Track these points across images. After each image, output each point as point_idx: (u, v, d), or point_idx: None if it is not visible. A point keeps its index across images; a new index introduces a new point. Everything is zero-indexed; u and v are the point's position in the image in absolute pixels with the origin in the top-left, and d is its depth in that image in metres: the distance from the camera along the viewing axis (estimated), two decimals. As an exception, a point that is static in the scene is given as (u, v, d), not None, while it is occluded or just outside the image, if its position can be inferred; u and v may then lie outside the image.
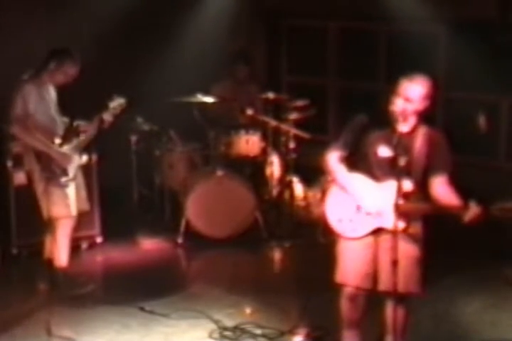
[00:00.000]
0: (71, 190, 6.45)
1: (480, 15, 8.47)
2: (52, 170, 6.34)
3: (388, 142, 4.85)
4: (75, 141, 6.49)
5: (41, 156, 6.33)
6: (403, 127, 4.85)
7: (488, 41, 8.34)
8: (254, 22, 10.14)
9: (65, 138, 6.45)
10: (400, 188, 4.70)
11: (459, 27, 8.53)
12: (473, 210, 4.66)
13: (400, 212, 4.72)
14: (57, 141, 6.42)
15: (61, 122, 6.49)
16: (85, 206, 6.73)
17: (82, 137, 6.51)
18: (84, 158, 6.62)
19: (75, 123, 6.50)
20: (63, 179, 6.40)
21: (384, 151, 4.86)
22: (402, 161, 4.71)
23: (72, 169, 6.46)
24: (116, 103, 6.53)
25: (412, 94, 4.80)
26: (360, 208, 4.94)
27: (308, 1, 9.80)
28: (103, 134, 6.60)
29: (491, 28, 8.43)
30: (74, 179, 6.49)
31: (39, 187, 6.35)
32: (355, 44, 9.86)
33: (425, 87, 4.82)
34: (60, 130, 6.47)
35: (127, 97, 6.57)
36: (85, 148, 6.64)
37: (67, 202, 6.40)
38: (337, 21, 9.98)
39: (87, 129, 6.50)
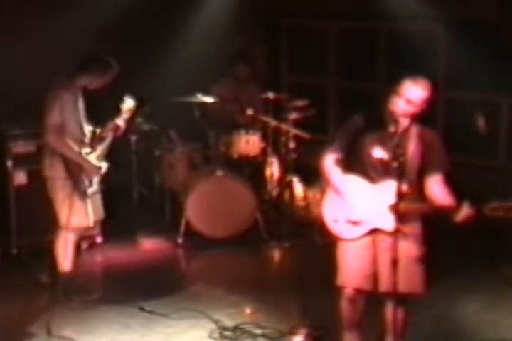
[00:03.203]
0: (90, 201, 6.36)
1: (480, 15, 8.47)
2: (82, 180, 6.25)
3: (383, 143, 4.87)
4: (98, 150, 6.38)
5: (70, 166, 6.20)
6: (398, 127, 4.86)
7: (488, 41, 8.33)
8: (254, 22, 10.14)
9: (91, 147, 6.35)
10: (397, 189, 4.71)
11: (459, 27, 8.52)
12: (466, 211, 4.69)
13: (395, 213, 4.73)
14: (86, 150, 6.31)
15: (87, 130, 6.37)
16: (102, 215, 6.67)
17: (103, 145, 6.39)
18: (105, 165, 6.44)
19: (98, 131, 6.40)
20: (89, 190, 6.31)
21: (378, 153, 4.87)
22: (396, 162, 4.73)
23: (96, 180, 6.37)
24: (127, 106, 6.41)
25: (415, 96, 4.80)
26: (355, 212, 4.95)
27: (308, 1, 9.80)
28: (118, 141, 6.55)
29: (491, 27, 8.43)
30: (98, 191, 6.42)
31: (59, 194, 6.25)
32: (355, 44, 9.86)
33: (428, 91, 4.82)
34: (87, 138, 6.35)
35: (137, 98, 6.47)
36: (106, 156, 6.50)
37: (87, 212, 6.32)
38: (337, 21, 9.98)
39: (105, 136, 6.39)
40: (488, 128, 8.83)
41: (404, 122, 4.87)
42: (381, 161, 4.86)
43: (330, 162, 4.99)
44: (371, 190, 4.91)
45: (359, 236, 4.95)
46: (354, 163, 4.98)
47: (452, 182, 4.92)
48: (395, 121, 4.85)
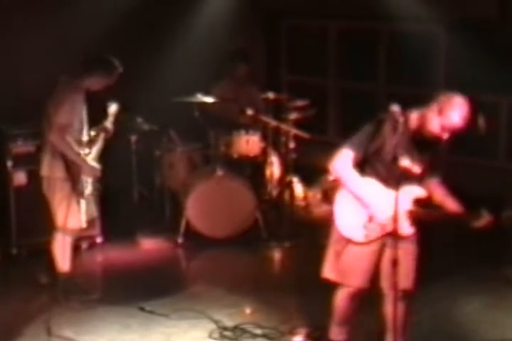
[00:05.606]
0: (84, 202, 6.37)
1: (480, 15, 8.48)
2: (80, 181, 6.26)
3: (406, 150, 4.76)
4: (94, 151, 6.40)
5: (71, 167, 6.21)
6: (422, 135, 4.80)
7: (488, 41, 8.34)
8: (254, 22, 10.14)
9: (89, 148, 6.36)
10: (415, 195, 4.78)
11: (459, 27, 8.53)
12: (486, 218, 4.73)
13: (412, 218, 4.79)
14: (85, 150, 6.32)
15: (86, 131, 6.38)
16: (94, 214, 6.70)
17: (97, 147, 6.43)
18: (98, 167, 6.43)
19: (93, 132, 6.42)
20: (87, 191, 6.33)
21: (406, 161, 4.73)
22: (417, 169, 4.75)
23: (90, 180, 6.38)
24: (112, 109, 6.49)
25: (455, 126, 4.70)
26: (373, 218, 4.88)
27: (308, 0, 9.80)
28: (108, 143, 6.60)
29: (491, 27, 8.43)
30: (92, 192, 6.43)
31: (57, 195, 6.25)
32: (355, 44, 9.86)
33: (468, 119, 4.72)
34: (85, 140, 6.35)
35: (121, 102, 6.55)
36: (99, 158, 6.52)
37: (81, 214, 6.33)
38: (337, 21, 9.98)
39: (97, 139, 6.43)
40: (488, 128, 8.82)
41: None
42: (406, 169, 4.75)
43: (346, 163, 4.81)
44: (388, 195, 4.80)
45: (373, 239, 4.92)
46: (365, 162, 4.87)
47: (457, 183, 4.96)
48: (420, 131, 4.79)
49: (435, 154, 4.91)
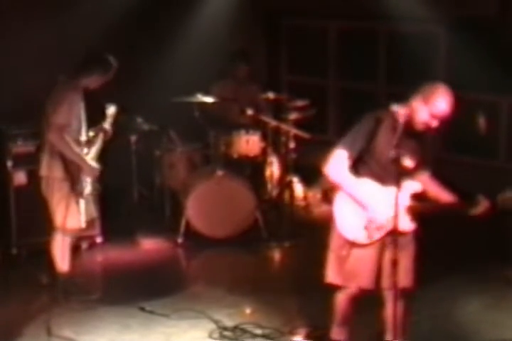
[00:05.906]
0: (83, 202, 6.37)
1: (480, 15, 8.48)
2: (79, 181, 6.26)
3: (399, 146, 4.73)
4: (92, 151, 6.41)
5: (69, 166, 6.21)
6: (413, 129, 4.81)
7: (489, 41, 8.33)
8: (254, 22, 10.14)
9: (88, 148, 6.36)
10: (411, 189, 4.78)
11: (459, 27, 8.53)
12: (483, 205, 4.75)
13: (412, 213, 4.78)
14: (84, 150, 6.31)
15: (86, 131, 6.37)
16: (94, 214, 6.69)
17: (95, 147, 6.43)
18: (98, 166, 6.42)
19: (92, 132, 6.42)
20: (85, 191, 6.32)
21: (408, 161, 4.77)
22: (410, 163, 4.77)
23: (90, 180, 6.37)
24: (111, 111, 6.50)
25: (443, 113, 4.73)
26: (373, 220, 4.88)
27: (308, 0, 9.80)
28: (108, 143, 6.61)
29: (491, 27, 8.43)
30: (92, 192, 6.42)
31: (55, 195, 6.25)
32: (355, 44, 9.86)
33: (453, 107, 4.75)
34: (84, 139, 6.35)
35: (119, 104, 6.56)
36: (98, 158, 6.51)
37: (80, 214, 6.32)
38: (337, 21, 9.98)
39: (96, 139, 6.43)
40: (488, 128, 8.83)
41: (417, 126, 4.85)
42: (405, 167, 4.76)
43: (341, 165, 4.79)
44: (385, 193, 4.81)
45: (375, 240, 4.91)
46: (358, 161, 4.86)
47: (458, 183, 4.97)
48: (410, 123, 4.79)
49: (425, 147, 4.93)
